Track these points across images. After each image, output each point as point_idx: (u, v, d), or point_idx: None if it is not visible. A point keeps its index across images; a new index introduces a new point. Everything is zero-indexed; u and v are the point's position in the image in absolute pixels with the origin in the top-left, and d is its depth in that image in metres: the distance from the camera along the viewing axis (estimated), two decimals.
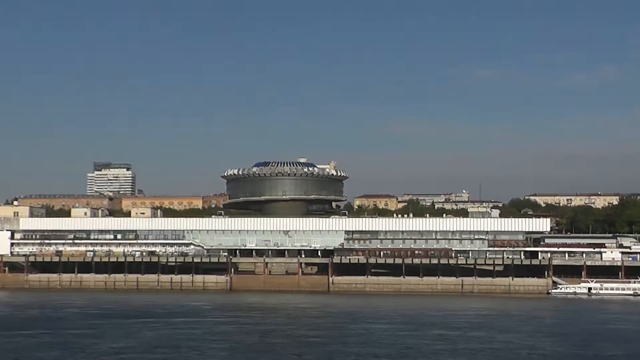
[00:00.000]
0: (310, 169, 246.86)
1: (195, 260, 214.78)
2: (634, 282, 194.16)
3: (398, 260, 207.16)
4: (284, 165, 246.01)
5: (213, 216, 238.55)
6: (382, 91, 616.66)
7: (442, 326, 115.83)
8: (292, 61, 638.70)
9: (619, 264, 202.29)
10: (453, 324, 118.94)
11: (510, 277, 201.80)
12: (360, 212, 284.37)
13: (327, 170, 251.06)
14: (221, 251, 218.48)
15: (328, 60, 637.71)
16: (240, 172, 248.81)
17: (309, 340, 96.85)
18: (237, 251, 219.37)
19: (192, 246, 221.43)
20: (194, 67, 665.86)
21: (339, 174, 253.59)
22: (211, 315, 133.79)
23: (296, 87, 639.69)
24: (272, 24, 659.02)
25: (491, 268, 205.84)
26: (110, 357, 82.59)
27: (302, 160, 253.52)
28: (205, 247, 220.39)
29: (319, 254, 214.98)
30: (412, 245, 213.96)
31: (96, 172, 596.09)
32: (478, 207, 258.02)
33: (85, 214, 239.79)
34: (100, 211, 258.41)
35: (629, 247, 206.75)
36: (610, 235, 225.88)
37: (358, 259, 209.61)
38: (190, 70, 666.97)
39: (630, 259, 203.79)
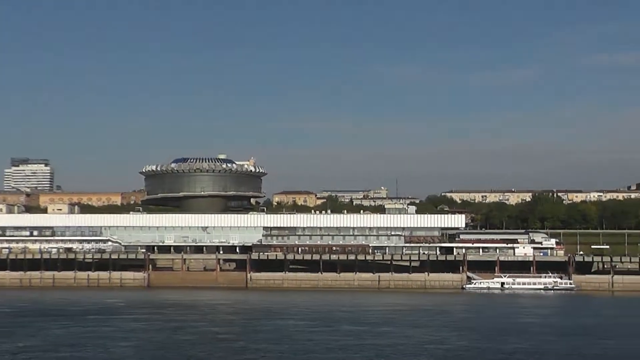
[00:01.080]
0: (229, 165, 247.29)
1: (112, 256, 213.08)
2: (545, 277, 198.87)
3: (316, 257, 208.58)
4: (202, 162, 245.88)
5: (131, 212, 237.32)
6: (302, 88, 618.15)
7: (353, 322, 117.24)
8: (212, 58, 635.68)
9: (531, 259, 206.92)
10: (364, 320, 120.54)
11: (426, 273, 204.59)
12: (279, 209, 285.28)
13: (246, 166, 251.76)
14: (139, 247, 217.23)
15: (249, 58, 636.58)
16: (158, 169, 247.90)
17: (218, 337, 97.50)
18: (155, 247, 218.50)
19: (109, 242, 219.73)
20: (111, 62, 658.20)
21: (257, 170, 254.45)
22: (125, 312, 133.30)
23: (218, 83, 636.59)
24: (191, 18, 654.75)
25: (407, 264, 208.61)
26: (14, 356, 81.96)
27: (222, 156, 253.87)
28: (123, 244, 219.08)
29: (237, 250, 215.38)
30: (329, 242, 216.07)
31: (13, 168, 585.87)
32: (395, 203, 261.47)
33: (1, 210, 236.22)
34: (16, 207, 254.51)
35: (541, 243, 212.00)
36: (523, 231, 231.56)
37: (276, 255, 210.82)
38: (107, 66, 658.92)
39: (541, 254, 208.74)
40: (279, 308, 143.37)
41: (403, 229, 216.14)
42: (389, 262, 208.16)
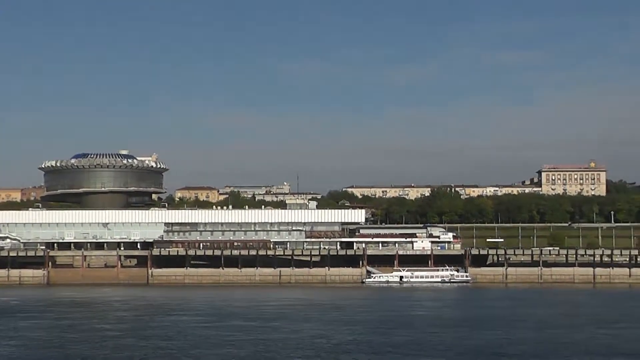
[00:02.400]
0: (130, 160, 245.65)
1: (11, 254, 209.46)
2: (442, 270, 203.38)
3: (217, 252, 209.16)
4: (102, 157, 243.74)
5: (30, 209, 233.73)
6: (204, 84, 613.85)
7: (245, 317, 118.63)
8: (120, 53, 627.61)
9: (429, 252, 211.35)
10: (257, 315, 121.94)
11: (327, 267, 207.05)
12: (181, 205, 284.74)
13: (147, 162, 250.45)
14: (38, 244, 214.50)
15: (155, 54, 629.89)
16: (58, 164, 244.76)
17: (107, 334, 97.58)
18: (55, 244, 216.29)
19: (8, 240, 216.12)
20: (11, 55, 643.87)
21: (159, 166, 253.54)
22: (17, 311, 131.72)
23: (120, 78, 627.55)
24: (91, 16, 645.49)
25: (308, 258, 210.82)
26: None
27: (124, 152, 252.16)
28: (22, 241, 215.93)
29: (139, 246, 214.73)
30: (231, 237, 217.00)
31: None
32: (296, 199, 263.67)
33: None
34: None
35: (438, 237, 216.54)
36: (422, 225, 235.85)
37: (177, 251, 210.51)
38: (7, 59, 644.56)
39: (439, 247, 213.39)
40: (176, 304, 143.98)
41: (304, 224, 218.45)
42: (290, 257, 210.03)
